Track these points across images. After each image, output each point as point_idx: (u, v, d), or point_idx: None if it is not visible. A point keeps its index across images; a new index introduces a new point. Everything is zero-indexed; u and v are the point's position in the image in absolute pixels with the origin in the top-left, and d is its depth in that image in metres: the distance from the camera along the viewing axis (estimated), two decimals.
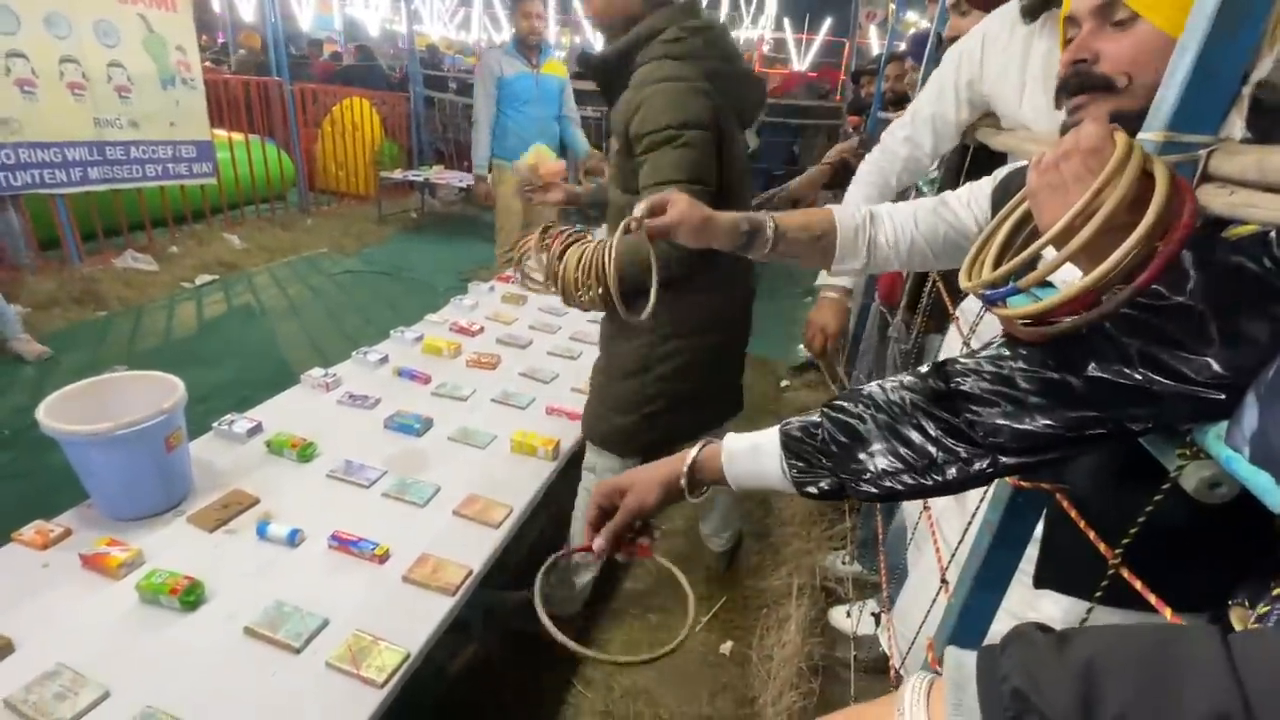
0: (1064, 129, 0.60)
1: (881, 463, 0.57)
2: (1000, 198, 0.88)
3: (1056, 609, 0.79)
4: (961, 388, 0.54)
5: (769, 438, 0.65)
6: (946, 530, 1.04)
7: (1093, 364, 0.48)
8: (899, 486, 0.56)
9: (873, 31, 10.19)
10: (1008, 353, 0.54)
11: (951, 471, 0.54)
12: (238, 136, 4.98)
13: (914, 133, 1.45)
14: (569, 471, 1.61)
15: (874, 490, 0.57)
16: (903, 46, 3.57)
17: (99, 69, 3.70)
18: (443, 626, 1.08)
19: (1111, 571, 0.56)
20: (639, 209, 0.89)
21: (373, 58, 8.03)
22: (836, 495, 0.61)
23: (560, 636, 0.67)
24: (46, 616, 1.00)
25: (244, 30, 8.65)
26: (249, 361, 3.11)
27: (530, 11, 3.39)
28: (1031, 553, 0.76)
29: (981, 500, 0.76)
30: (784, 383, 3.32)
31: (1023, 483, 0.63)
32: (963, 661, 0.33)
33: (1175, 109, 0.50)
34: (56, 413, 1.13)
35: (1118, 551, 0.54)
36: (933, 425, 0.55)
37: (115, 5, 3.74)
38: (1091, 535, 0.57)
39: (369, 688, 0.94)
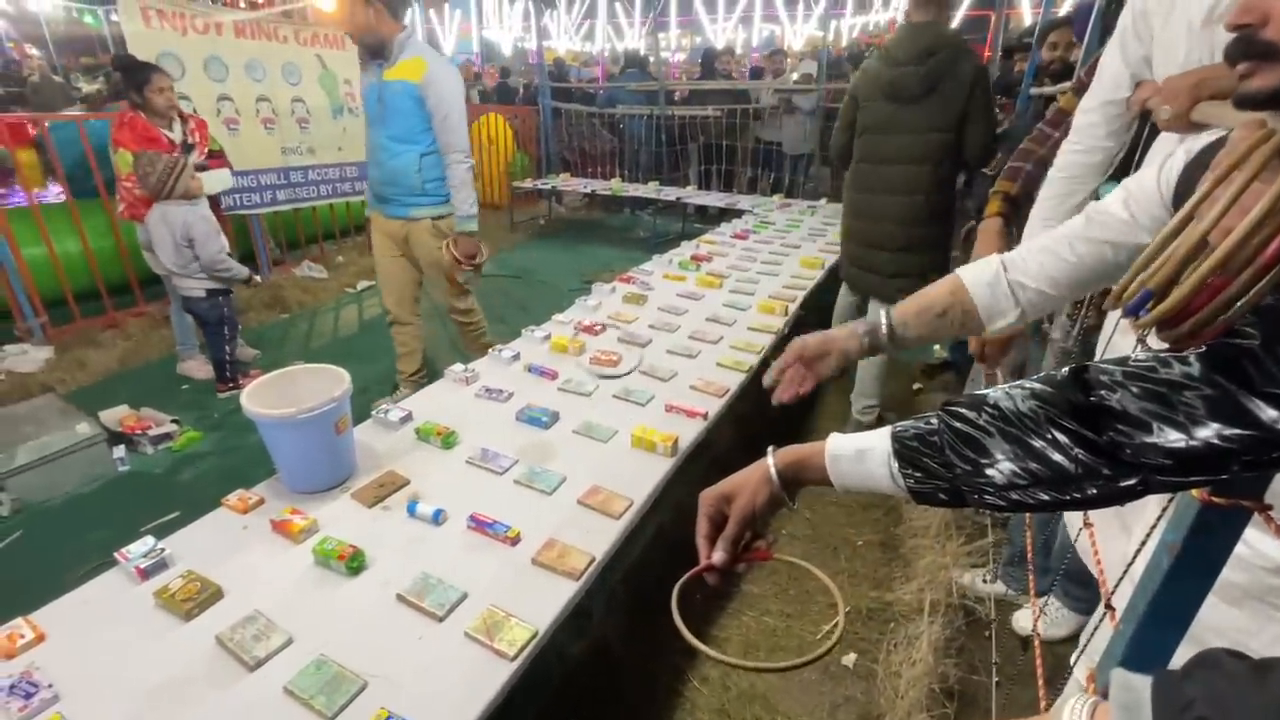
0: (1236, 98, 0.52)
1: (1010, 477, 0.53)
2: (1187, 190, 0.76)
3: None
4: (1106, 403, 0.49)
5: (877, 442, 0.61)
6: (1111, 546, 0.93)
7: (1271, 378, 0.41)
8: (1029, 500, 0.52)
9: (1024, 1, 9.23)
10: (1164, 365, 0.47)
11: (1093, 490, 0.50)
12: None
13: (1089, 122, 1.31)
14: (687, 468, 1.62)
15: (1001, 503, 0.54)
16: (1062, 12, 3.18)
17: (285, 104, 4.29)
18: (568, 609, 1.13)
19: None
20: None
21: (508, 77, 8.64)
22: (957, 504, 0.57)
23: (713, 653, 0.65)
24: (246, 570, 1.18)
25: None
26: None
27: None
28: None
29: (1160, 517, 0.67)
30: (916, 385, 3.11)
31: (1215, 498, 0.55)
32: (1132, 684, 0.29)
33: None
34: (252, 399, 1.32)
35: None
36: (1070, 440, 0.50)
37: (298, 48, 4.32)
38: None
39: (501, 659, 1.01)
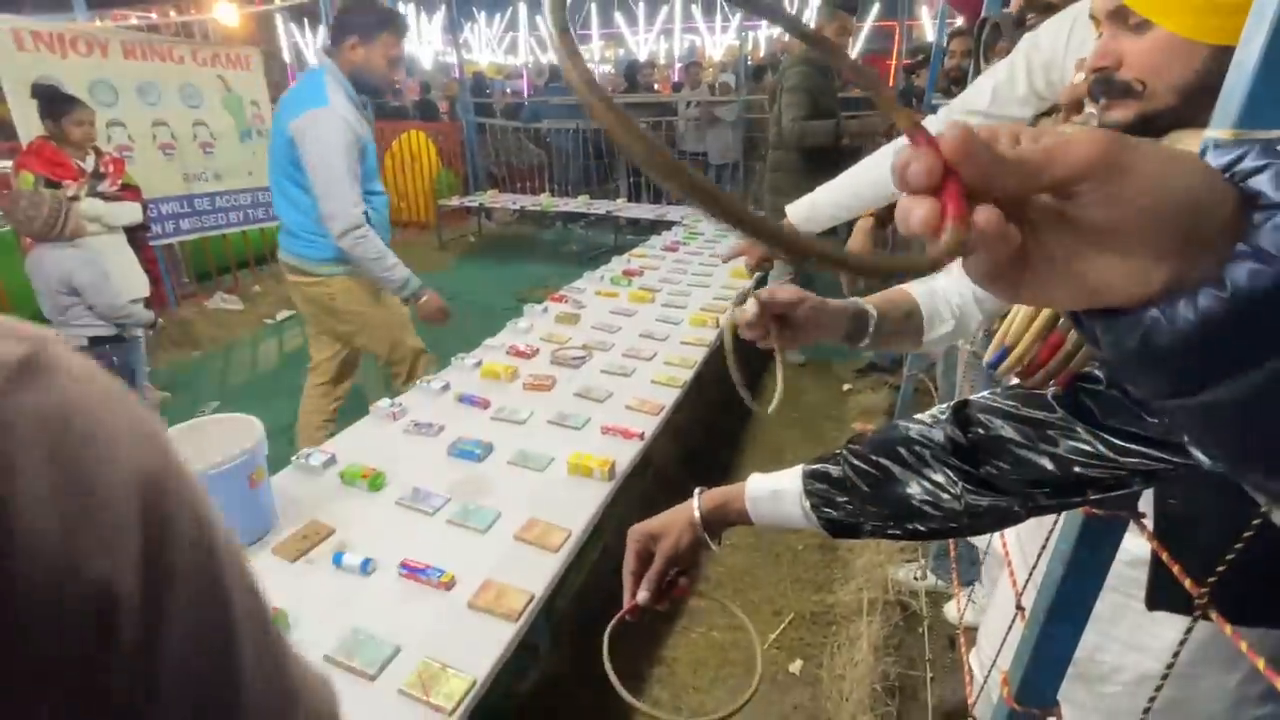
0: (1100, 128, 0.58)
1: (906, 510, 0.59)
2: None
3: (1172, 633, 0.74)
4: (981, 438, 0.55)
5: (789, 483, 0.66)
6: (1025, 549, 0.98)
7: (1111, 414, 0.47)
8: (924, 529, 0.58)
9: (924, 12, 9.79)
10: (1026, 402, 0.54)
11: (983, 520, 0.57)
12: None
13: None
14: (627, 486, 1.62)
15: (900, 533, 0.60)
16: (959, 22, 3.38)
17: (186, 129, 4.05)
18: (507, 653, 1.10)
19: (1206, 592, 0.52)
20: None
21: (429, 92, 8.45)
22: (866, 536, 0.63)
23: (642, 705, 0.70)
24: None
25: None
26: None
27: None
28: (1138, 576, 0.72)
29: (1054, 525, 0.71)
30: (846, 386, 3.23)
31: (1095, 510, 0.59)
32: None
33: (1243, 106, 0.46)
34: None
35: (1203, 590, 0.49)
36: (955, 474, 0.56)
37: (196, 69, 4.08)
38: (1176, 569, 0.53)
39: (439, 715, 0.97)
